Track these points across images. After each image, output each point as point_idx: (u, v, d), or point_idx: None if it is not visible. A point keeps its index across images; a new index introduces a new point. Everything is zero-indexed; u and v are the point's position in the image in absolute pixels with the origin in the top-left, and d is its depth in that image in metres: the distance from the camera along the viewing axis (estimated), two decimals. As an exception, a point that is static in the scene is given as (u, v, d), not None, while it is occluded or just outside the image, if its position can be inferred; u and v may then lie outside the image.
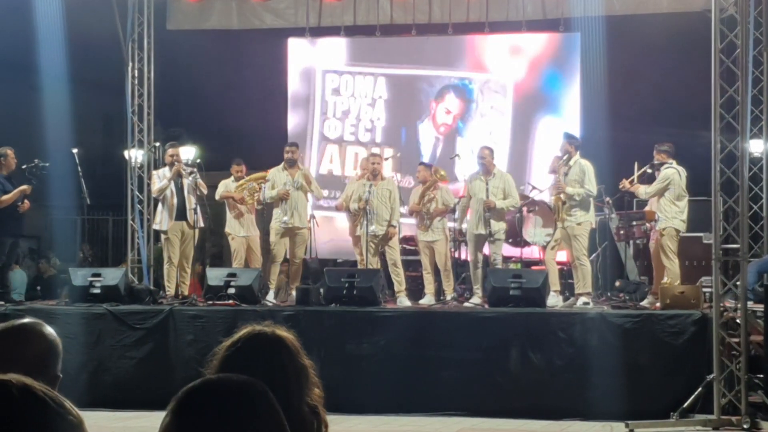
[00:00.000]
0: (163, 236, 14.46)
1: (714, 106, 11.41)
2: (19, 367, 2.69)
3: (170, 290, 14.18)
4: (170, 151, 14.61)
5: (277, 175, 14.46)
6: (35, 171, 14.04)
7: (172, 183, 14.28)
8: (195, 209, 14.21)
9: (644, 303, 12.91)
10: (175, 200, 14.28)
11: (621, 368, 11.49)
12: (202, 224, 14.47)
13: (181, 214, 14.27)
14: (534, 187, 14.19)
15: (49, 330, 2.97)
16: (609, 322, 11.92)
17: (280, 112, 18.13)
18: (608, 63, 16.23)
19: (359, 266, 14.07)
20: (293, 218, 14.27)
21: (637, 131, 16.16)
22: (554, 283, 13.40)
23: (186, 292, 14.13)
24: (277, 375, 2.57)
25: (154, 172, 14.80)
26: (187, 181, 14.29)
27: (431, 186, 14.29)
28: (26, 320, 2.97)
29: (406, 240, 15.39)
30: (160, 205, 14.47)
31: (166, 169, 14.47)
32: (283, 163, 14.55)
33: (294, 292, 13.64)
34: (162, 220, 14.35)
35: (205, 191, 14.34)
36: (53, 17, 15.46)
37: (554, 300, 13.13)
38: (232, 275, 13.31)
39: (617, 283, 15.04)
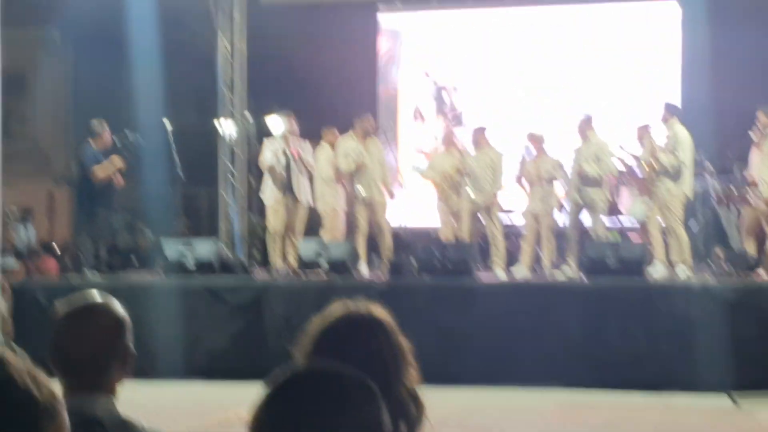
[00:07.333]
0: (268, 209, 14.22)
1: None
2: (89, 345, 2.87)
3: (273, 263, 14.00)
4: (284, 122, 14.09)
5: (349, 144, 14.11)
6: (126, 143, 14.07)
7: (282, 156, 13.95)
8: (302, 184, 13.92)
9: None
10: (283, 173, 13.93)
11: (724, 339, 11.15)
12: (310, 200, 14.11)
13: (287, 188, 13.95)
14: (630, 154, 13.75)
15: (117, 307, 2.99)
16: (711, 292, 11.62)
17: (369, 82, 18.03)
18: (710, 26, 15.81)
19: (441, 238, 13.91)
20: (370, 188, 14.04)
21: (740, 96, 15.67)
22: (659, 252, 13.09)
23: (286, 266, 13.91)
24: (374, 357, 2.44)
25: (265, 140, 14.36)
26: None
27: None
28: (94, 298, 2.98)
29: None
30: (267, 177, 14.09)
31: (278, 139, 14.06)
32: (352, 132, 14.14)
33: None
34: (268, 191, 14.06)
35: (313, 169, 14.04)
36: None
37: (659, 269, 12.83)
38: (324, 247, 13.20)
39: (719, 252, 14.61)
